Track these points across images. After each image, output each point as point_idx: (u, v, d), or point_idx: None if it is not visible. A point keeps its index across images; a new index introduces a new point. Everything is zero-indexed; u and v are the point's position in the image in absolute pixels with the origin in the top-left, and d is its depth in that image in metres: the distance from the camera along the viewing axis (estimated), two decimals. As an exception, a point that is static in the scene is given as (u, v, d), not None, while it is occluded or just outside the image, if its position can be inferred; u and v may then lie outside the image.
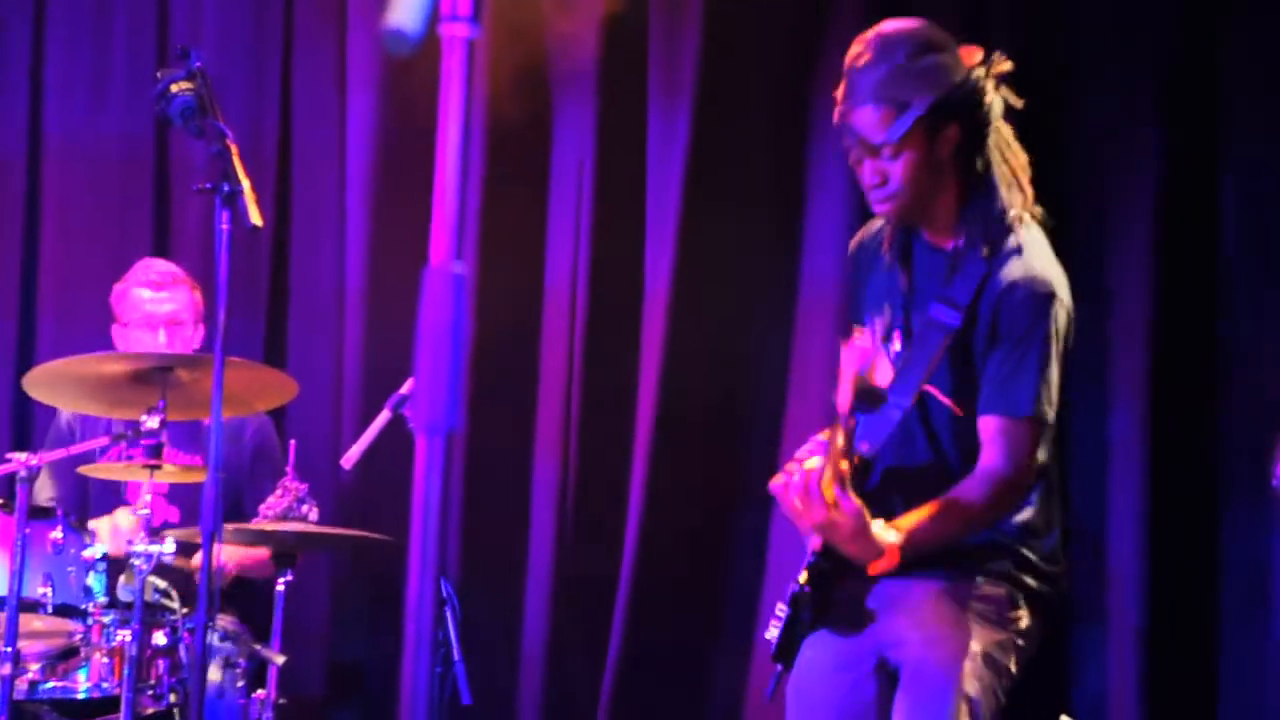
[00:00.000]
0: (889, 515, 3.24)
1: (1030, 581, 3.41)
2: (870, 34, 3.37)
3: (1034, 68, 3.47)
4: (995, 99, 3.38)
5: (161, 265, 5.12)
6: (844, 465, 3.14)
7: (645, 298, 5.24)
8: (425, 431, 1.89)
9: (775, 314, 5.18)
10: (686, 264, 5.17)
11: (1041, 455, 3.40)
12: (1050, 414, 3.34)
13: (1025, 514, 3.42)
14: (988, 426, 3.33)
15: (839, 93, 3.38)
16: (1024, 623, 3.40)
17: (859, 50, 3.35)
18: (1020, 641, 3.39)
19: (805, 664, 3.44)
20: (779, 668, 3.41)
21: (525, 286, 5.35)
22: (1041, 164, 3.54)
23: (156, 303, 4.99)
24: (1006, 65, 3.39)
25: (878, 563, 3.18)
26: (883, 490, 3.35)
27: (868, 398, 3.17)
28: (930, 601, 3.36)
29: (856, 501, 3.13)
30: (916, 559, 3.25)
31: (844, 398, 3.16)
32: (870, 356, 3.20)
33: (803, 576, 3.34)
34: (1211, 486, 4.77)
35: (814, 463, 3.15)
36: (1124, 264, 4.83)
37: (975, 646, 3.32)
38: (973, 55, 3.38)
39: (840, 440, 3.13)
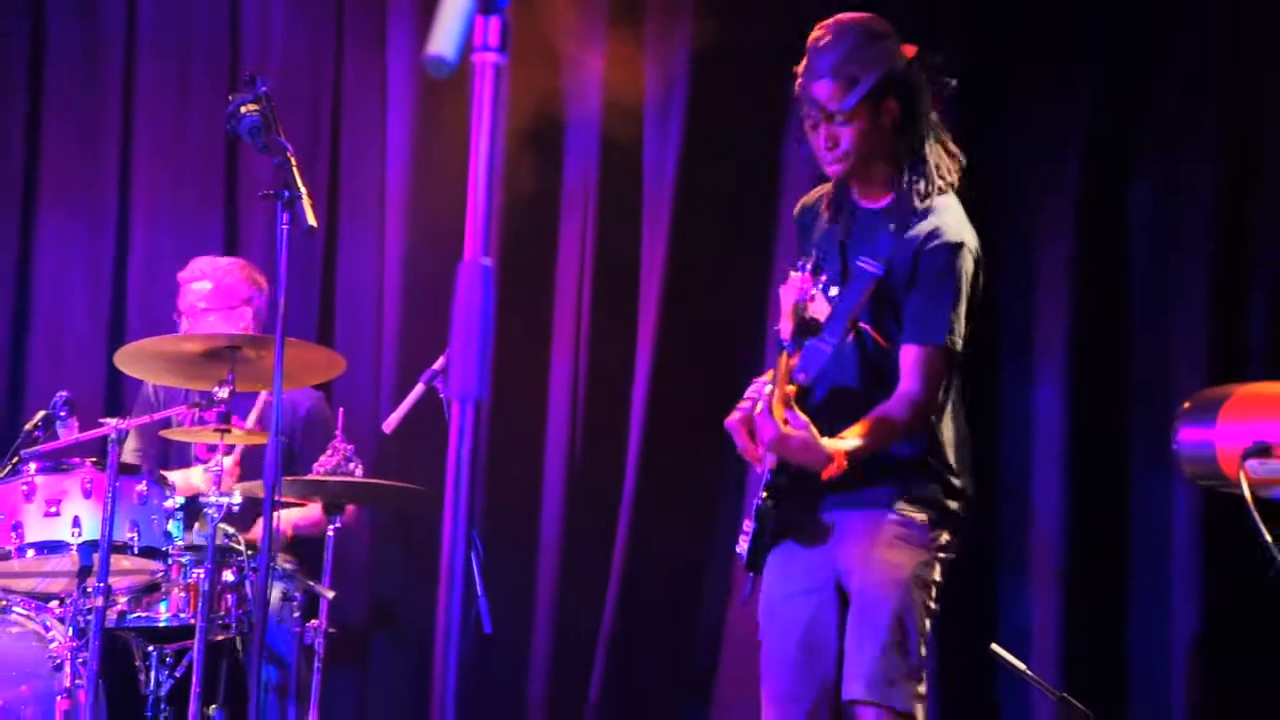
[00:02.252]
0: (831, 431, 3.28)
1: (949, 504, 3.46)
2: (830, 21, 3.48)
3: (975, 88, 3.50)
4: (927, 92, 3.47)
5: (197, 261, 5.03)
6: (790, 388, 3.21)
7: (641, 286, 5.23)
8: (457, 400, 1.89)
9: (754, 274, 5.14)
10: (678, 252, 5.17)
11: (954, 381, 3.46)
12: (958, 343, 3.41)
13: (948, 435, 3.46)
14: (908, 355, 3.40)
15: (800, 68, 3.46)
16: (943, 539, 3.46)
17: (820, 33, 3.46)
18: (942, 554, 3.45)
19: (774, 587, 3.50)
20: (751, 575, 3.47)
21: (539, 278, 5.35)
22: (975, 177, 3.59)
23: (184, 295, 4.97)
24: (936, 59, 3.49)
25: (829, 468, 3.24)
26: (823, 409, 3.37)
27: (805, 327, 3.26)
28: (867, 534, 3.41)
29: (803, 417, 3.20)
30: (857, 486, 3.35)
31: (786, 328, 3.25)
32: (806, 290, 3.28)
33: (763, 493, 3.39)
34: (1123, 448, 4.77)
35: (765, 390, 3.22)
36: (1048, 256, 4.82)
37: (904, 572, 3.38)
38: (910, 50, 3.48)
39: (785, 367, 3.21)
